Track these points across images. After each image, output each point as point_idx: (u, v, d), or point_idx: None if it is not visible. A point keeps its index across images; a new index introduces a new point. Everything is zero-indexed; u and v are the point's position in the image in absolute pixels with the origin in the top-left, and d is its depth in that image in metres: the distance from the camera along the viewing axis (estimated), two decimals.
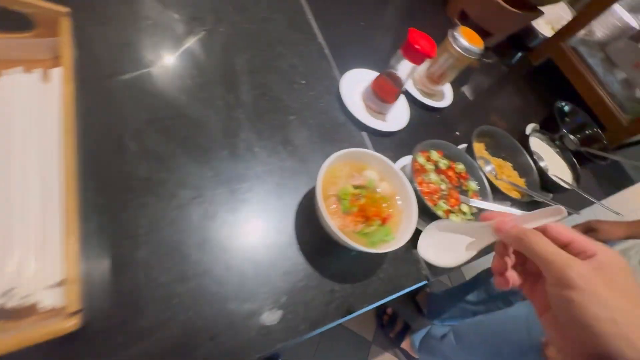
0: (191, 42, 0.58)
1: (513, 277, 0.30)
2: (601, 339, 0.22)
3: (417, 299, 1.49)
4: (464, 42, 0.67)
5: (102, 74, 0.49)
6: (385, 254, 0.53)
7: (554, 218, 0.28)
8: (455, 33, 0.68)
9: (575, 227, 0.99)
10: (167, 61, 0.54)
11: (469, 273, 1.66)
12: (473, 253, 0.33)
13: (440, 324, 1.38)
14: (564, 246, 0.26)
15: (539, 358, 0.76)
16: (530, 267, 0.30)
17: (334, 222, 0.45)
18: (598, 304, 0.22)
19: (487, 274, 1.22)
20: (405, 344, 1.36)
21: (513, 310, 0.98)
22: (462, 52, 0.67)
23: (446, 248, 0.35)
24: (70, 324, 0.28)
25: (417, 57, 0.57)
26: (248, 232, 0.47)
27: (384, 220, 0.49)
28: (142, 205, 0.42)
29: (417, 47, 0.55)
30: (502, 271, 0.30)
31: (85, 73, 0.46)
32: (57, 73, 0.39)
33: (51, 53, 0.42)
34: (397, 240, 0.47)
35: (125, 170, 0.44)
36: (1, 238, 0.31)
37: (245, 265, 0.44)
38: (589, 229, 0.99)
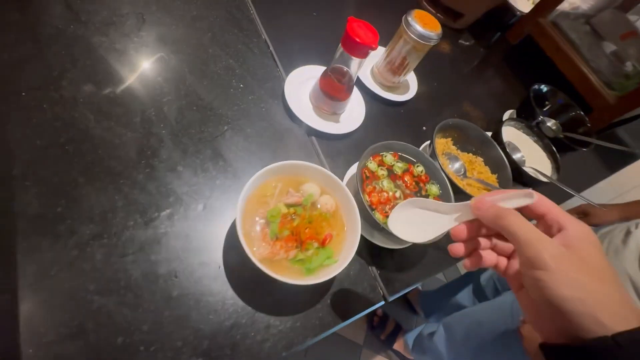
0: (103, 50, 0.51)
1: (488, 257, 0.30)
2: (570, 318, 0.23)
3: (409, 297, 1.44)
4: (418, 27, 0.59)
5: None
6: (333, 277, 0.48)
7: (524, 201, 0.29)
8: (409, 18, 0.60)
9: (568, 211, 0.94)
10: (73, 75, 0.48)
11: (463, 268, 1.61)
12: (443, 232, 0.34)
13: (436, 322, 1.33)
14: (540, 217, 0.28)
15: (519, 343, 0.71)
16: (501, 247, 0.31)
17: (261, 250, 0.40)
18: (567, 284, 0.23)
19: (477, 272, 1.16)
20: (397, 345, 1.31)
21: (499, 298, 0.93)
22: (417, 39, 0.60)
23: (417, 224, 0.36)
24: None
25: (358, 50, 0.50)
26: (166, 268, 0.41)
27: (322, 242, 0.42)
28: (32, 249, 0.37)
29: (356, 39, 0.48)
30: (467, 253, 0.31)
31: None
32: None
33: None
34: (339, 264, 0.41)
35: (11, 209, 0.38)
36: None
37: (161, 308, 0.39)
38: (581, 213, 0.93)
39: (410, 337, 1.26)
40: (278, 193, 0.44)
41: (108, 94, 0.48)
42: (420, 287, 1.45)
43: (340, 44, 0.51)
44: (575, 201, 0.76)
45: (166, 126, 0.49)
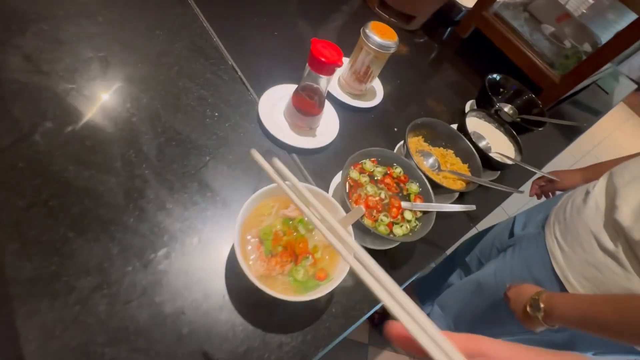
0: (71, 98, 0.51)
1: None
2: None
3: (405, 288, 1.48)
4: (377, 38, 0.63)
5: None
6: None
7: (358, 216, 0.41)
8: (367, 31, 0.64)
9: (537, 179, 0.98)
10: (44, 128, 0.47)
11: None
12: None
13: (430, 304, 1.38)
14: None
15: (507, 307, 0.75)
16: None
17: (257, 267, 0.41)
18: None
19: (466, 246, 1.21)
20: None
21: (483, 269, 0.99)
22: (377, 49, 0.64)
23: None
24: None
25: (325, 69, 0.52)
26: (171, 307, 0.41)
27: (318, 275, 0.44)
28: (31, 313, 0.36)
29: (322, 59, 0.51)
30: None
31: None
32: None
33: None
34: (333, 282, 0.43)
35: (3, 275, 0.37)
36: None
37: (174, 348, 0.39)
38: (547, 181, 1.00)
39: None
40: (276, 211, 0.46)
41: (84, 142, 0.48)
42: None
43: (307, 64, 0.54)
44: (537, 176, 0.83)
45: (148, 166, 0.50)
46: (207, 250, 0.46)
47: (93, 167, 0.47)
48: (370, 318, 1.37)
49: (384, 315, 1.37)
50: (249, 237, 0.43)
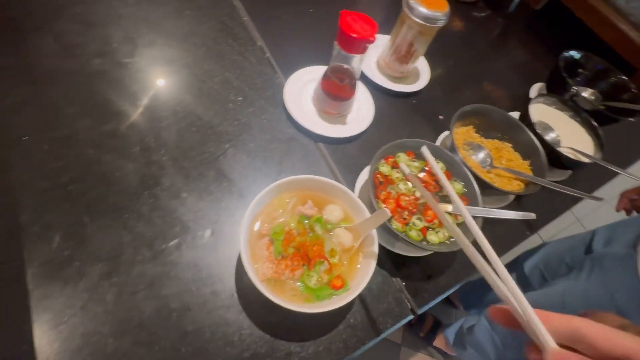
0: (98, 82, 0.51)
1: None
2: None
3: None
4: (422, 9, 0.54)
5: None
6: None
7: (382, 221, 0.37)
8: (410, 1, 0.55)
9: (628, 191, 0.78)
10: (70, 111, 0.47)
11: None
12: None
13: (477, 314, 1.26)
14: None
15: None
16: None
17: (264, 270, 0.37)
18: None
19: (528, 255, 1.07)
20: (438, 342, 1.26)
21: (549, 288, 0.86)
22: (423, 22, 0.55)
23: None
24: None
25: (355, 46, 0.45)
26: (178, 302, 0.39)
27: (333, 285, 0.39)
28: (42, 297, 0.36)
29: (352, 34, 0.44)
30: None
31: None
32: None
33: None
34: (350, 292, 0.37)
35: (21, 257, 0.38)
36: None
37: (177, 344, 0.37)
38: None
39: (451, 332, 1.21)
40: (291, 207, 0.41)
41: (105, 126, 0.48)
42: None
43: (335, 42, 0.47)
44: (621, 179, 0.66)
45: (166, 152, 0.48)
46: (219, 245, 0.43)
47: (112, 151, 0.46)
48: None
49: (421, 315, 1.28)
50: (257, 228, 0.39)
